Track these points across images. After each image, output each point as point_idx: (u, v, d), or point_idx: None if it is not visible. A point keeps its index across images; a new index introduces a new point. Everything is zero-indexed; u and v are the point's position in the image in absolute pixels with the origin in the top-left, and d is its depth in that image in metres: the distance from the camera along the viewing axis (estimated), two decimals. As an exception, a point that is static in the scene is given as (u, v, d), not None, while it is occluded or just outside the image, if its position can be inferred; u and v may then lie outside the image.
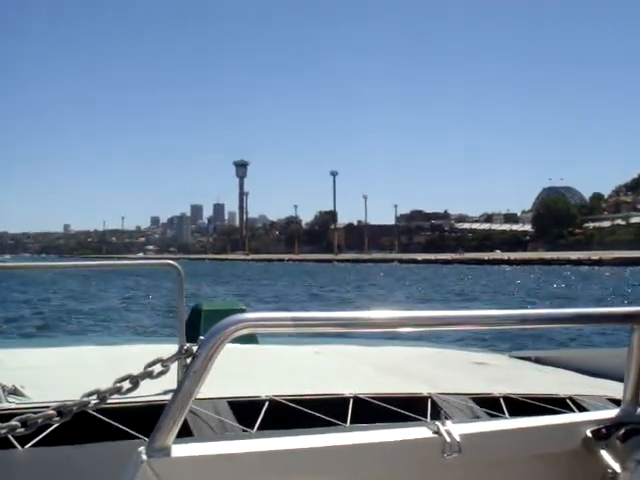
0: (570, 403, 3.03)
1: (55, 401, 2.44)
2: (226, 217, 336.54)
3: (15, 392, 2.90)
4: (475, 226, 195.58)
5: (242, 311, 6.42)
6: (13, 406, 2.73)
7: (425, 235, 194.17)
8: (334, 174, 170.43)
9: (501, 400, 3.00)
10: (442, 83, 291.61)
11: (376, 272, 69.33)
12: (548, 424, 1.59)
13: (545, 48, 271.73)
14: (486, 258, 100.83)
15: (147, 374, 1.50)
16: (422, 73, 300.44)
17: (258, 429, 2.59)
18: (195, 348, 1.26)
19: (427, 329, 1.49)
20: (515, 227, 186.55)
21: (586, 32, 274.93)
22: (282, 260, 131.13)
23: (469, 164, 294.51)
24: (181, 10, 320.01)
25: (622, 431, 1.57)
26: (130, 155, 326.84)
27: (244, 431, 2.58)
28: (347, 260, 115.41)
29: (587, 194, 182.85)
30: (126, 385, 1.51)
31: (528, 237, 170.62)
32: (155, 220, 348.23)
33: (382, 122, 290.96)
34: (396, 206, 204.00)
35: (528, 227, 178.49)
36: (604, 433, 1.58)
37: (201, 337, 1.26)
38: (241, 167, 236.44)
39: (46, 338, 13.24)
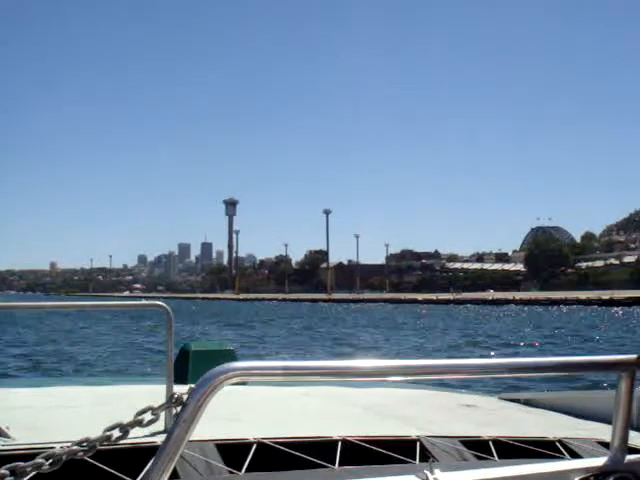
0: (559, 446, 3.02)
1: (42, 443, 2.47)
2: (214, 256, 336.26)
3: (1, 433, 2.86)
4: (467, 265, 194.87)
5: (230, 352, 6.10)
6: None
7: (416, 275, 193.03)
8: (327, 212, 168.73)
9: (490, 443, 2.97)
10: (433, 118, 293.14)
11: (390, 314, 66.84)
12: (537, 472, 1.59)
13: (536, 86, 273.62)
14: (490, 298, 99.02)
15: (137, 422, 1.50)
16: (413, 111, 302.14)
17: (246, 472, 2.56)
18: (185, 396, 1.27)
19: (418, 377, 1.49)
20: (507, 267, 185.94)
21: (579, 70, 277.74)
22: (274, 300, 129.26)
23: (458, 203, 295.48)
24: (173, 41, 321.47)
25: (610, 479, 1.58)
26: (117, 193, 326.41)
27: (231, 473, 2.56)
28: (342, 300, 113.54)
29: (575, 233, 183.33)
30: (116, 433, 1.51)
31: (520, 276, 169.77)
32: (142, 259, 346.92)
33: (372, 160, 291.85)
34: (387, 245, 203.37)
35: (520, 266, 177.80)
36: None
37: (191, 385, 1.27)
38: (231, 205, 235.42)
39: (33, 378, 13.14)
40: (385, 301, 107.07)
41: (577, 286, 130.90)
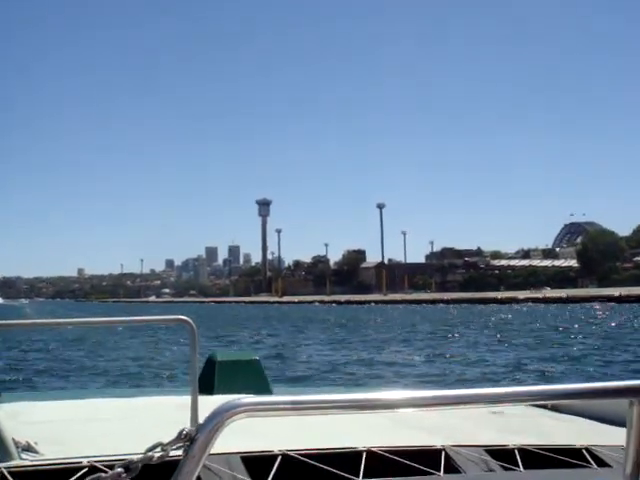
0: (586, 454, 3.00)
1: (71, 458, 2.63)
2: (241, 258, 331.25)
3: (29, 448, 2.87)
4: (513, 263, 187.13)
5: (255, 362, 6.15)
6: (27, 463, 2.73)
7: (460, 273, 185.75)
8: (381, 206, 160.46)
9: (516, 452, 2.97)
10: (451, 112, 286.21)
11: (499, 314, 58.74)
12: None
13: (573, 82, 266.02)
14: (564, 296, 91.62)
15: (147, 458, 1.51)
16: (442, 103, 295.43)
17: None
18: (194, 432, 1.29)
19: (436, 409, 1.45)
20: (557, 263, 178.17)
21: (605, 68, 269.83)
22: (319, 302, 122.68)
23: (489, 200, 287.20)
24: (202, 38, 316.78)
25: None
26: (143, 198, 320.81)
27: None
28: (406, 301, 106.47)
29: (612, 228, 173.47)
30: (124, 471, 1.51)
31: (573, 273, 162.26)
32: (170, 263, 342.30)
33: (404, 155, 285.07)
34: (432, 243, 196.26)
35: (572, 262, 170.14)
36: None
37: (200, 422, 1.28)
38: (264, 206, 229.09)
39: (59, 390, 13.25)
40: (461, 301, 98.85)
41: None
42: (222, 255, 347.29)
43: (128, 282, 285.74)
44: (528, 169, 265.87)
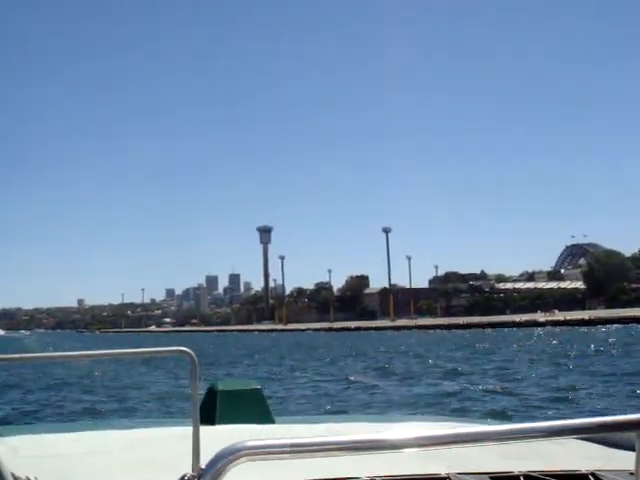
0: (592, 479, 2.98)
1: None
2: (242, 287, 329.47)
3: None
4: (518, 285, 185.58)
5: (257, 391, 6.02)
6: None
7: (464, 297, 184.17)
8: (387, 230, 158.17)
9: (521, 478, 2.94)
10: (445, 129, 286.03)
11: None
12: None
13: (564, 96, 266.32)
14: (586, 318, 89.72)
15: None
16: (439, 126, 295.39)
17: None
18: (196, 479, 1.26)
19: (441, 448, 1.45)
20: (563, 284, 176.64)
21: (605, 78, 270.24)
22: (327, 329, 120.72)
23: (489, 222, 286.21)
24: (197, 63, 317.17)
25: None
26: (142, 226, 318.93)
27: None
28: (420, 326, 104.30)
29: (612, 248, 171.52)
30: None
31: (580, 294, 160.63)
32: (170, 292, 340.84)
33: (407, 179, 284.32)
34: (437, 267, 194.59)
35: (578, 284, 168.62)
36: None
37: (202, 466, 1.28)
38: (265, 233, 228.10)
39: (59, 423, 13.22)
40: (479, 326, 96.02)
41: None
42: (223, 284, 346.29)
43: (129, 312, 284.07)
44: (527, 191, 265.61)
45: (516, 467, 3.04)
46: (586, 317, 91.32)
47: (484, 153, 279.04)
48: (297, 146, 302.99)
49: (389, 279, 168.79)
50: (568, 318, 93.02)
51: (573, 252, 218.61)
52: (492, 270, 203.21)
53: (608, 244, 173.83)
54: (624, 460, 3.10)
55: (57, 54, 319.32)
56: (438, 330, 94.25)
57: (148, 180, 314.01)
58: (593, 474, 2.98)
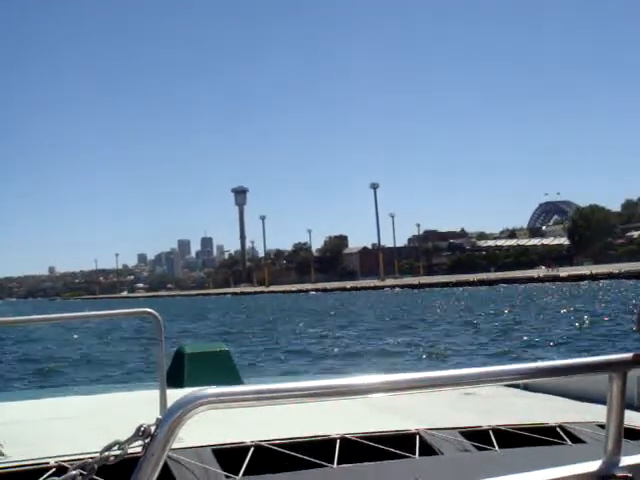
0: (560, 432, 3.02)
1: (37, 459, 2.61)
2: (215, 251, 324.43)
3: None
4: (500, 243, 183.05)
5: (225, 352, 6.03)
6: None
7: (446, 255, 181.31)
8: (375, 186, 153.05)
9: (490, 432, 2.98)
10: (427, 93, 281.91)
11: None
12: None
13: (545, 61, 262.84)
14: (588, 273, 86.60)
15: (104, 459, 1.43)
16: (416, 84, 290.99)
17: (243, 475, 2.57)
18: (153, 427, 1.22)
19: (405, 393, 1.41)
20: (546, 241, 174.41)
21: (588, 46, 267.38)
22: (306, 290, 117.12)
23: (467, 181, 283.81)
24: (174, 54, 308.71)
25: None
26: (114, 191, 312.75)
27: (228, 478, 2.56)
28: (398, 285, 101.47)
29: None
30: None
31: (565, 251, 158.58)
32: (142, 257, 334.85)
33: (365, 139, 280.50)
34: (419, 225, 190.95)
35: (562, 240, 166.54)
36: None
37: (158, 416, 1.22)
38: (240, 194, 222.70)
39: (22, 391, 12.94)
40: (478, 283, 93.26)
41: (638, 256, 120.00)
42: (195, 248, 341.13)
43: (101, 278, 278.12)
44: (500, 150, 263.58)
45: (485, 422, 3.04)
46: (587, 272, 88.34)
47: (464, 115, 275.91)
48: (272, 110, 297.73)
49: (378, 237, 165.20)
50: (571, 274, 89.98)
51: (547, 209, 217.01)
52: (473, 228, 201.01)
53: (581, 201, 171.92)
54: (593, 413, 3.17)
55: None
56: (439, 288, 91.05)
57: (119, 146, 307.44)
58: (561, 426, 3.01)
